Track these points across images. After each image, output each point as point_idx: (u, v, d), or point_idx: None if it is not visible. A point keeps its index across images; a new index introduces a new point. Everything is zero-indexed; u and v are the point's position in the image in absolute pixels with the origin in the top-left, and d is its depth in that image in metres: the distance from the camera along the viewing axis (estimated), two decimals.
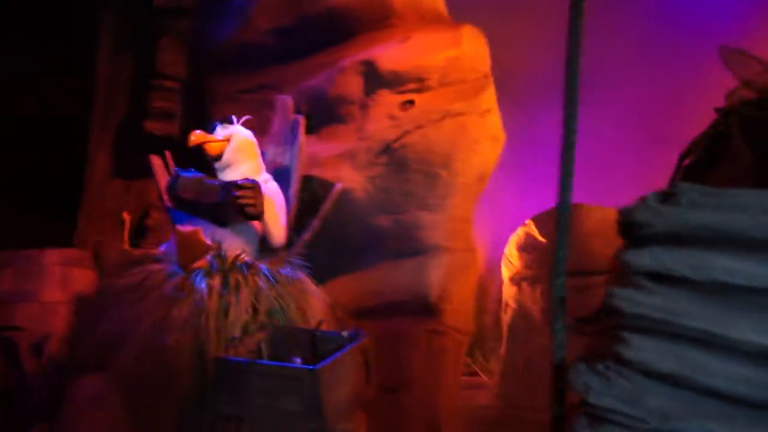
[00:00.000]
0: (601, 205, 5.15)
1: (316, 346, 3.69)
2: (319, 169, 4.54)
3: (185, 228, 3.91)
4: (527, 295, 5.34)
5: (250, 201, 3.99)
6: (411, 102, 4.42)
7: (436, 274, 4.46)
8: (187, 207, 4.26)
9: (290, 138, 4.60)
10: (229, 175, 4.18)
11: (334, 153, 4.62)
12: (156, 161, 4.62)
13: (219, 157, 4.17)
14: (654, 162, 4.27)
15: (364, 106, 4.56)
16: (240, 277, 3.82)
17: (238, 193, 3.98)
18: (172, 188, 4.30)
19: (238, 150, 4.21)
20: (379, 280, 4.58)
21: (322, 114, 4.71)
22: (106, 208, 5.54)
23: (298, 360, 3.52)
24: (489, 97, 4.51)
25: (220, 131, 4.23)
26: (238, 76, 5.24)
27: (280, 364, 3.42)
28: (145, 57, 5.49)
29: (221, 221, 4.12)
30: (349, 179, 4.53)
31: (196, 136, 4.11)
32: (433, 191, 4.45)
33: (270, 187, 4.25)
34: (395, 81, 4.46)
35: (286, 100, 4.72)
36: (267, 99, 5.07)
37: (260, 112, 4.94)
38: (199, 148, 4.12)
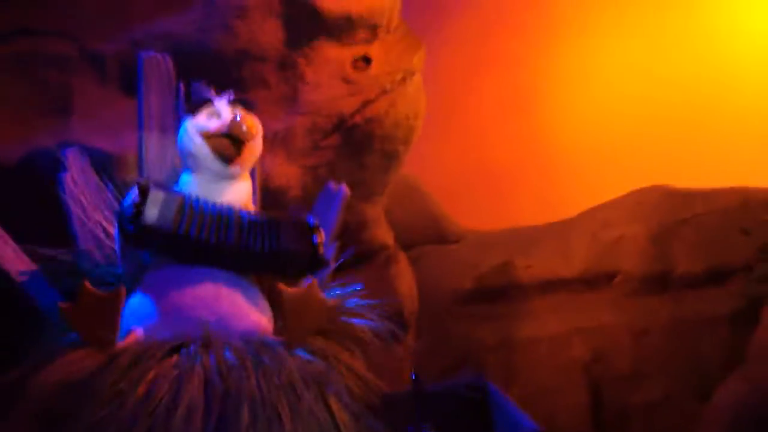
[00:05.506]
0: None
1: (422, 409, 2.78)
2: None
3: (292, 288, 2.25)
4: None
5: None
6: (367, 59, 3.13)
7: (402, 284, 3.42)
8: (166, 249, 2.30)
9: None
10: (231, 193, 2.45)
11: None
12: None
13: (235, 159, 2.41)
14: None
15: (287, 65, 3.03)
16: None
17: (317, 237, 2.38)
18: (155, 221, 2.19)
19: (256, 153, 2.46)
20: None
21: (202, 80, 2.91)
22: None
23: None
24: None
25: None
26: None
27: None
28: None
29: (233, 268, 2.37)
30: (281, 173, 3.03)
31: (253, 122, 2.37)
32: (385, 175, 3.32)
33: None
34: (344, 27, 3.06)
35: (159, 60, 2.78)
36: (32, 54, 2.89)
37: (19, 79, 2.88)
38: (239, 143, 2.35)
